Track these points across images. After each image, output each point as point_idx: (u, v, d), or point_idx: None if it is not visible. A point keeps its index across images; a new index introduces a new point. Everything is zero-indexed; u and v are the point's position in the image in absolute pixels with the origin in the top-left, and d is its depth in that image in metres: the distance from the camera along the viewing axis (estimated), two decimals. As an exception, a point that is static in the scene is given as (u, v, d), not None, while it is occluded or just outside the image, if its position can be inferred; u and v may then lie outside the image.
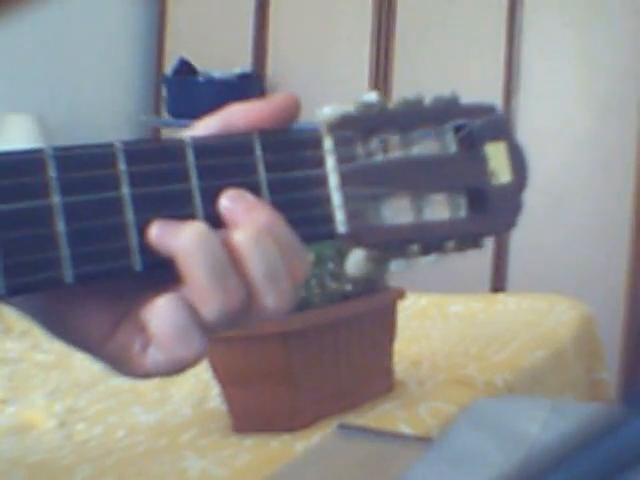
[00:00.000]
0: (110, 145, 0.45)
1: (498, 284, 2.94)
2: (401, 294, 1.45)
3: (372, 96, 0.52)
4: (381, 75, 3.07)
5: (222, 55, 3.26)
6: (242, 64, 3.20)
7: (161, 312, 0.44)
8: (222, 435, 1.27)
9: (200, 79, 3.18)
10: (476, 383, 1.48)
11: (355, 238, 0.50)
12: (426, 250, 0.52)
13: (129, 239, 0.45)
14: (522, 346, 1.73)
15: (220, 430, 1.30)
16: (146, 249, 0.45)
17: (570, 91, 2.87)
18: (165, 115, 3.29)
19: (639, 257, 2.77)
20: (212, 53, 3.27)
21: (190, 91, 3.16)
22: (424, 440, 1.00)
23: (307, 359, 1.27)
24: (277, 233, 0.47)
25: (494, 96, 2.81)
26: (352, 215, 0.50)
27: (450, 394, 1.41)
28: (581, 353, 1.92)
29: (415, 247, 0.52)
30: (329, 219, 0.50)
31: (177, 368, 0.46)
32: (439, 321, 2.01)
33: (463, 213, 0.53)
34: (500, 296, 2.41)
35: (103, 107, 3.24)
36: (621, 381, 2.71)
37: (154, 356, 0.46)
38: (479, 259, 2.93)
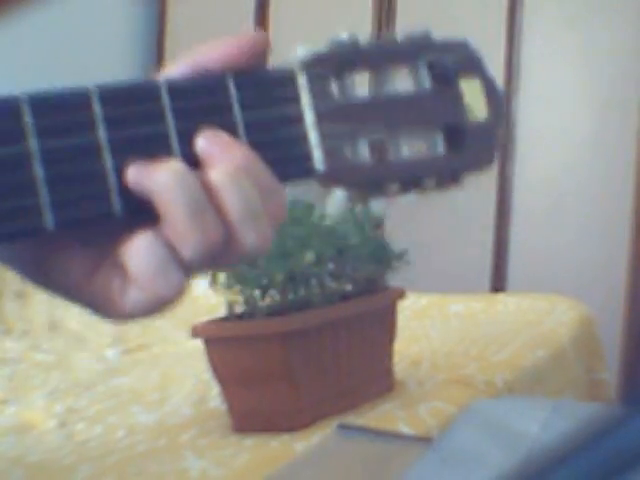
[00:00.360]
0: (84, 88, 0.45)
1: (498, 284, 2.94)
2: (401, 294, 1.45)
3: (344, 34, 0.52)
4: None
5: (222, 55, 3.26)
6: (242, 64, 3.20)
7: (139, 249, 0.44)
8: (222, 435, 1.27)
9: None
10: (476, 383, 1.48)
11: (333, 177, 0.50)
12: (405, 188, 0.52)
13: (108, 183, 0.44)
14: (522, 346, 1.73)
15: (220, 430, 1.30)
16: (125, 192, 0.45)
17: (570, 92, 2.87)
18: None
19: (639, 257, 2.77)
20: (212, 53, 3.27)
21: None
22: (424, 440, 1.00)
23: (307, 359, 1.27)
24: (254, 171, 0.47)
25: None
26: (329, 153, 0.50)
27: (450, 394, 1.41)
28: (581, 353, 1.92)
29: (394, 185, 0.51)
30: (307, 157, 0.50)
31: (158, 307, 0.46)
32: (439, 321, 2.01)
33: (441, 150, 0.53)
34: (500, 296, 2.41)
35: (103, 107, 3.24)
36: (621, 381, 2.71)
37: (134, 296, 0.46)
38: (479, 259, 2.93)
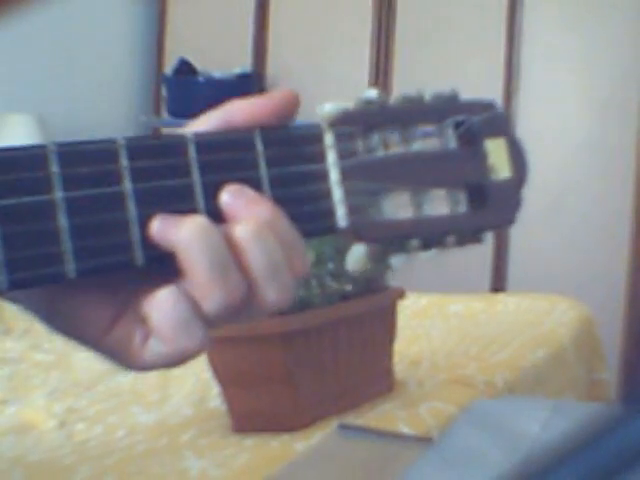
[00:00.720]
0: (112, 141, 0.45)
1: (498, 284, 2.94)
2: (401, 294, 1.45)
3: (372, 92, 0.52)
4: (381, 75, 3.07)
5: (222, 55, 3.26)
6: (242, 64, 3.20)
7: (162, 304, 0.45)
8: (222, 435, 1.27)
9: (200, 79, 3.18)
10: (476, 383, 1.48)
11: (356, 233, 0.51)
12: (426, 245, 0.53)
13: (131, 234, 0.45)
14: (522, 346, 1.73)
15: (220, 430, 1.30)
16: (148, 244, 0.45)
17: (570, 92, 2.87)
18: (165, 115, 3.29)
19: (639, 257, 2.77)
20: (212, 53, 3.27)
21: (190, 91, 3.16)
22: (424, 440, 1.00)
23: (307, 359, 1.27)
24: (278, 227, 0.47)
25: (494, 96, 2.81)
26: (353, 210, 0.50)
27: (450, 394, 1.41)
28: (581, 353, 1.92)
29: (415, 242, 0.52)
30: (330, 214, 0.50)
31: (178, 360, 0.47)
32: (439, 321, 2.01)
33: (463, 208, 0.53)
34: (500, 296, 2.41)
35: (103, 107, 3.24)
36: (621, 381, 2.71)
37: (155, 348, 0.46)
38: (479, 259, 2.93)
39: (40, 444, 1.31)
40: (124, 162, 0.45)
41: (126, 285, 0.48)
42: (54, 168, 0.44)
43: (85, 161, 0.45)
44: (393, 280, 1.44)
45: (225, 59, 3.23)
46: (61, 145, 0.44)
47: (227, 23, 3.32)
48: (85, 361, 1.83)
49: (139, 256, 0.45)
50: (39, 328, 1.98)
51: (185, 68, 3.22)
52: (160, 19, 3.42)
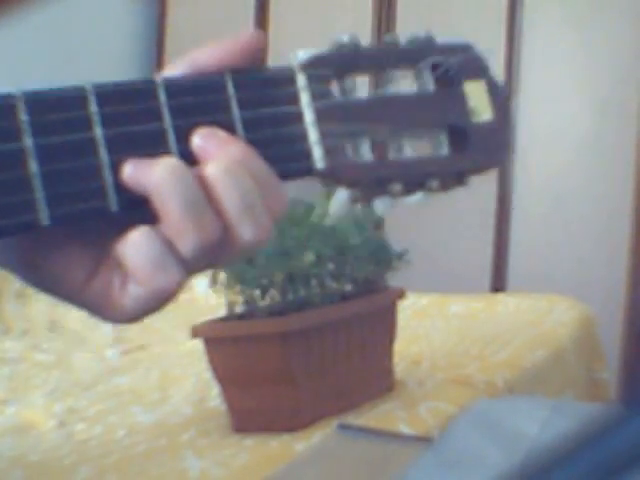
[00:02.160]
0: (81, 87, 0.45)
1: (498, 284, 2.94)
2: (401, 294, 1.45)
3: (345, 36, 0.52)
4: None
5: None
6: (242, 64, 3.20)
7: (136, 244, 0.44)
8: (222, 435, 1.27)
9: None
10: (476, 383, 1.48)
11: (333, 174, 0.50)
12: (409, 188, 0.52)
13: (104, 179, 0.45)
14: (522, 346, 1.73)
15: (220, 430, 1.30)
16: (121, 189, 0.45)
17: (570, 91, 2.87)
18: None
19: (639, 256, 2.77)
20: (212, 53, 3.27)
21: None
22: (424, 440, 1.00)
23: (307, 359, 1.27)
24: (251, 166, 0.47)
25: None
26: (330, 151, 0.50)
27: (450, 394, 1.41)
28: (581, 353, 1.92)
29: (397, 185, 0.51)
30: (306, 155, 0.50)
31: (157, 302, 0.46)
32: (439, 321, 2.01)
33: (445, 151, 0.53)
34: (500, 296, 2.41)
35: (103, 107, 3.24)
36: (621, 381, 2.71)
37: (134, 292, 0.46)
38: (479, 259, 2.93)
39: (40, 444, 1.31)
40: (93, 108, 0.45)
41: (103, 235, 0.47)
42: (23, 116, 0.43)
43: (54, 108, 0.44)
44: (393, 280, 1.44)
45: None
46: (29, 93, 0.44)
47: (227, 23, 3.31)
48: (85, 361, 1.83)
49: (113, 202, 0.45)
50: (39, 328, 1.97)
51: (185, 68, 3.22)
52: (160, 19, 3.42)
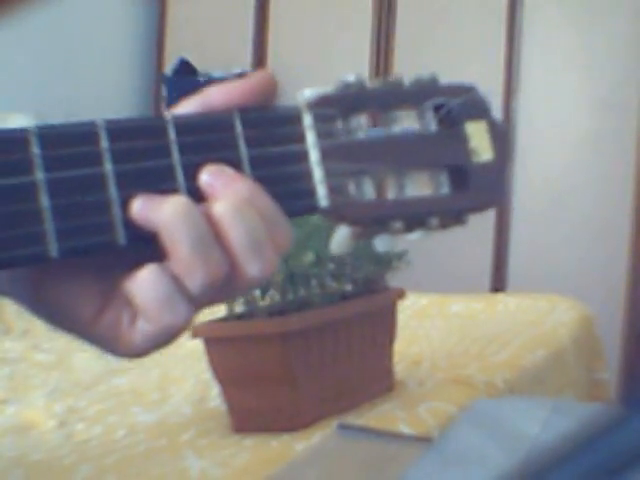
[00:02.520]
0: (92, 123, 0.46)
1: (498, 284, 2.94)
2: (401, 294, 1.45)
3: (351, 76, 0.53)
4: (381, 75, 3.06)
5: (222, 55, 3.26)
6: (242, 64, 3.20)
7: (144, 281, 0.45)
8: (222, 435, 1.27)
9: (200, 79, 3.18)
10: (476, 383, 1.48)
11: (336, 213, 0.51)
12: (409, 226, 0.53)
13: (112, 214, 0.46)
14: (522, 346, 1.73)
15: (220, 430, 1.30)
16: (129, 224, 0.46)
17: (570, 91, 2.87)
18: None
19: (639, 257, 2.77)
20: (212, 53, 3.27)
21: (190, 91, 3.13)
22: (424, 440, 1.00)
23: (307, 359, 1.27)
24: (258, 203, 0.47)
25: (494, 96, 2.81)
26: (333, 190, 0.50)
27: (450, 394, 1.41)
28: (581, 353, 1.92)
29: (398, 224, 0.52)
30: (311, 193, 0.51)
31: (167, 337, 0.47)
32: (439, 321, 2.01)
33: (445, 190, 0.54)
34: (500, 296, 2.41)
35: (103, 107, 3.24)
36: (621, 381, 2.71)
37: (142, 328, 0.47)
38: (479, 259, 2.93)
39: (40, 444, 1.31)
40: (104, 144, 0.46)
41: (112, 270, 0.48)
42: (35, 150, 0.44)
43: (66, 143, 0.45)
44: (393, 280, 1.44)
45: (225, 59, 3.23)
46: (41, 128, 0.45)
47: (227, 23, 3.31)
48: (85, 361, 1.83)
49: (121, 236, 0.46)
50: (39, 328, 1.98)
51: (185, 68, 3.22)
52: (160, 19, 3.42)
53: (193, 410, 1.42)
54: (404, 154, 0.52)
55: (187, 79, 3.20)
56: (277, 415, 1.26)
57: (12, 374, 1.75)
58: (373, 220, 0.51)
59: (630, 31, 2.77)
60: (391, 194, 0.52)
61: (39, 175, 0.44)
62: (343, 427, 0.92)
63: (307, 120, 0.51)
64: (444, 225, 0.53)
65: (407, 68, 3.01)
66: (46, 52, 3.07)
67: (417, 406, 1.34)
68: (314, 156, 0.51)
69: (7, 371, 1.77)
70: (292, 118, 0.51)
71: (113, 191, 0.46)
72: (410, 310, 2.01)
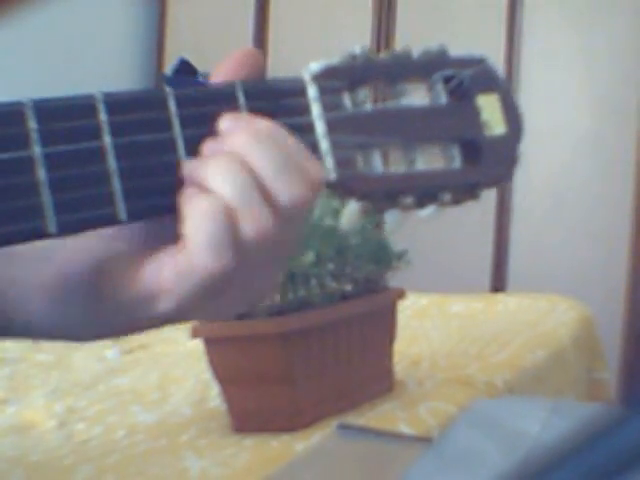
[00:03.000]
0: (90, 96, 0.45)
1: (498, 284, 2.94)
2: (401, 294, 1.45)
3: (357, 48, 0.52)
4: (381, 75, 3.06)
5: (222, 55, 3.24)
6: (242, 64, 3.19)
7: (202, 216, 0.45)
8: (222, 435, 1.27)
9: (200, 79, 3.18)
10: (476, 383, 1.48)
11: (345, 186, 0.50)
12: (421, 201, 0.51)
13: (113, 187, 0.45)
14: (522, 346, 1.73)
15: (220, 430, 1.30)
16: (130, 197, 0.45)
17: (570, 92, 2.87)
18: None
19: (639, 257, 2.77)
20: (212, 53, 3.27)
21: (190, 91, 3.15)
22: (424, 440, 1.00)
23: (307, 359, 1.27)
24: (280, 137, 0.47)
25: (494, 96, 2.81)
26: (341, 162, 0.49)
27: (450, 394, 1.41)
28: (581, 353, 1.92)
29: (409, 198, 0.51)
30: None
31: (205, 288, 0.46)
32: (439, 321, 2.01)
33: (457, 164, 0.52)
34: (500, 296, 2.41)
35: (103, 107, 3.24)
36: (621, 381, 2.71)
37: (183, 275, 0.46)
38: (479, 259, 2.93)
39: (40, 444, 1.31)
40: (103, 117, 0.45)
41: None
42: (32, 124, 0.43)
43: (63, 116, 0.44)
44: (393, 280, 1.44)
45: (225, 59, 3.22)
46: (38, 101, 0.44)
47: (227, 23, 3.31)
48: (85, 361, 1.83)
49: (121, 210, 0.45)
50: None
51: (185, 68, 3.22)
52: (160, 19, 3.42)
53: (193, 410, 1.42)
54: (414, 127, 0.51)
55: (187, 79, 3.20)
56: (277, 415, 1.26)
57: (12, 374, 1.75)
58: (383, 194, 0.50)
59: (630, 31, 2.77)
60: (401, 168, 0.51)
61: (36, 149, 0.43)
62: (343, 427, 0.92)
63: (312, 92, 0.50)
64: (457, 200, 0.52)
65: (407, 68, 3.01)
66: (46, 52, 3.07)
67: (417, 406, 1.34)
68: (320, 128, 0.50)
69: (7, 371, 1.77)
70: (296, 90, 0.50)
71: (112, 163, 0.45)
72: (410, 310, 2.01)
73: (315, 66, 0.50)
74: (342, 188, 0.50)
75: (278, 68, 3.56)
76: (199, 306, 0.47)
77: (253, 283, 0.48)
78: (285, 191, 0.46)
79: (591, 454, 0.28)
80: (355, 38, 3.10)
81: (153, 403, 1.48)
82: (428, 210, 0.52)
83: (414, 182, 0.51)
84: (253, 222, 0.45)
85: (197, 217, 0.45)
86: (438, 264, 2.88)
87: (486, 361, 1.61)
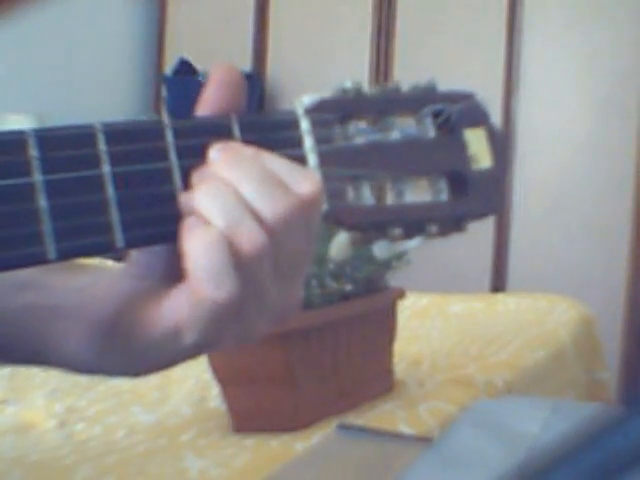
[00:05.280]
0: (90, 126, 0.46)
1: (498, 284, 2.94)
2: (401, 294, 1.45)
3: (348, 82, 0.53)
4: (381, 75, 3.07)
5: (222, 55, 3.26)
6: (242, 64, 3.20)
7: (200, 247, 0.46)
8: (222, 435, 1.27)
9: (200, 79, 3.18)
10: (476, 383, 1.48)
11: (335, 217, 0.51)
12: (408, 233, 0.53)
13: (110, 215, 0.46)
14: (522, 346, 1.73)
15: (220, 430, 1.30)
16: (127, 226, 0.46)
17: (570, 91, 2.87)
18: (165, 115, 3.29)
19: (639, 257, 2.77)
20: (212, 53, 3.27)
21: (190, 91, 3.15)
22: (424, 440, 1.00)
23: (307, 359, 1.27)
24: (265, 159, 0.48)
25: (494, 96, 2.81)
26: (332, 194, 0.51)
27: (450, 394, 1.41)
28: (581, 353, 1.92)
29: (397, 230, 0.52)
30: None
31: (206, 315, 0.47)
32: (439, 321, 2.01)
33: (444, 197, 0.54)
34: (500, 296, 2.41)
35: (103, 107, 3.24)
36: (621, 381, 2.71)
37: (186, 302, 0.48)
38: (479, 259, 2.93)
39: (40, 444, 1.31)
40: (102, 146, 0.46)
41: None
42: (33, 152, 0.44)
43: (64, 145, 0.45)
44: (393, 280, 1.44)
45: (225, 59, 3.22)
46: (39, 130, 0.45)
47: (227, 23, 3.31)
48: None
49: (119, 238, 0.46)
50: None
51: (185, 68, 3.22)
52: (160, 19, 3.42)
53: (193, 410, 1.42)
54: (403, 160, 0.52)
55: (187, 79, 3.20)
56: (277, 415, 1.26)
57: (12, 374, 1.75)
58: (372, 225, 0.52)
59: (630, 31, 2.77)
60: (390, 200, 0.52)
61: (37, 177, 0.44)
62: (343, 427, 0.92)
63: (305, 125, 0.51)
64: (443, 232, 0.54)
65: (407, 68, 3.01)
66: (46, 52, 3.07)
67: (417, 406, 1.34)
68: (312, 161, 0.51)
69: (7, 371, 1.77)
70: (290, 123, 0.51)
71: (111, 192, 0.46)
72: (410, 310, 2.01)
73: (308, 99, 0.52)
74: (332, 219, 0.51)
75: (278, 68, 3.57)
76: (223, 333, 0.49)
77: (269, 301, 0.49)
78: (267, 206, 0.47)
79: (591, 454, 0.28)
80: (355, 38, 3.10)
81: (153, 403, 1.48)
82: (415, 241, 0.53)
83: (402, 214, 0.52)
84: (248, 242, 0.46)
85: (195, 251, 0.46)
86: (438, 264, 2.88)
87: (486, 361, 1.61)
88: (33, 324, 0.55)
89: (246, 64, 3.22)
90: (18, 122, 2.71)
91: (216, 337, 0.50)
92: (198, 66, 3.22)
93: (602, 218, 2.80)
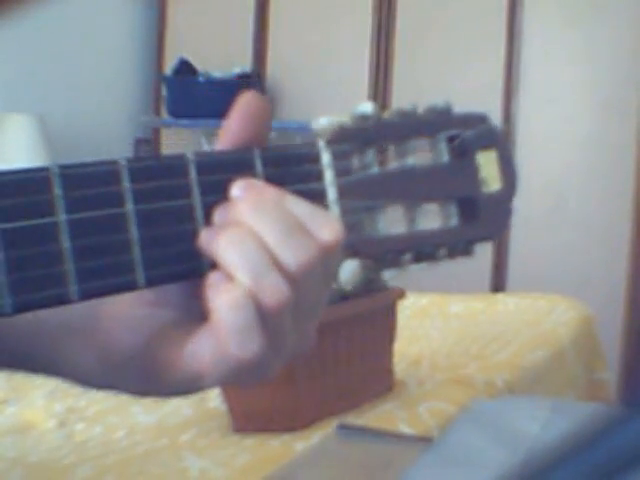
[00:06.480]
0: (114, 162, 0.46)
1: (498, 284, 2.94)
2: (401, 294, 1.45)
3: (368, 107, 0.52)
4: (381, 75, 3.07)
5: (222, 55, 3.26)
6: (242, 64, 3.20)
7: (228, 305, 0.45)
8: (222, 435, 1.27)
9: (200, 79, 3.18)
10: (476, 383, 1.48)
11: (352, 249, 0.51)
12: (418, 259, 0.53)
13: (133, 255, 0.45)
14: (522, 346, 1.73)
15: (220, 430, 1.30)
16: (149, 265, 0.46)
17: (570, 92, 2.87)
18: (165, 115, 3.29)
19: (639, 257, 2.77)
20: (212, 53, 3.27)
21: (190, 91, 3.16)
22: (424, 440, 1.00)
23: (307, 359, 1.27)
24: (289, 202, 0.48)
25: (494, 97, 2.81)
26: (349, 227, 0.51)
27: (450, 394, 1.41)
28: (581, 353, 1.92)
29: (408, 256, 0.52)
30: None
31: (232, 372, 0.47)
32: (439, 321, 2.01)
33: (454, 222, 0.54)
34: (500, 296, 2.41)
35: (103, 107, 3.24)
36: (621, 381, 2.71)
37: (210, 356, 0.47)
38: (479, 259, 2.93)
39: (40, 444, 1.31)
40: (126, 184, 0.45)
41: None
42: (57, 191, 0.44)
43: (88, 183, 0.45)
44: (393, 280, 1.44)
45: (225, 59, 3.23)
46: (64, 167, 0.44)
47: (227, 23, 3.32)
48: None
49: (140, 277, 0.45)
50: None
51: (185, 68, 3.22)
52: (160, 19, 3.42)
53: (193, 410, 1.42)
54: (417, 187, 0.53)
55: (187, 79, 3.20)
56: (277, 415, 1.26)
57: (12, 374, 1.75)
58: (385, 254, 0.52)
59: (631, 31, 2.77)
60: (403, 227, 0.53)
61: (61, 216, 0.44)
62: (343, 427, 0.92)
63: (326, 158, 0.51)
64: (452, 255, 0.54)
65: (407, 68, 3.01)
66: (46, 52, 3.07)
67: (417, 406, 1.34)
68: (332, 194, 0.51)
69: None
70: (311, 156, 0.51)
71: (134, 231, 0.45)
72: (410, 310, 2.01)
73: (326, 124, 0.51)
74: (349, 251, 0.51)
75: (278, 68, 3.56)
76: (242, 379, 0.49)
77: (289, 345, 0.49)
78: (291, 256, 0.46)
79: (591, 454, 0.28)
80: (355, 38, 3.10)
81: (153, 403, 1.48)
82: (421, 265, 0.54)
83: (415, 242, 0.53)
84: (272, 296, 0.46)
85: (220, 310, 0.45)
86: (438, 264, 2.88)
87: (486, 361, 1.61)
88: (42, 340, 0.55)
89: (246, 64, 3.22)
90: (19, 122, 2.71)
91: (234, 381, 0.50)
92: (198, 66, 3.22)
93: (602, 218, 2.80)
